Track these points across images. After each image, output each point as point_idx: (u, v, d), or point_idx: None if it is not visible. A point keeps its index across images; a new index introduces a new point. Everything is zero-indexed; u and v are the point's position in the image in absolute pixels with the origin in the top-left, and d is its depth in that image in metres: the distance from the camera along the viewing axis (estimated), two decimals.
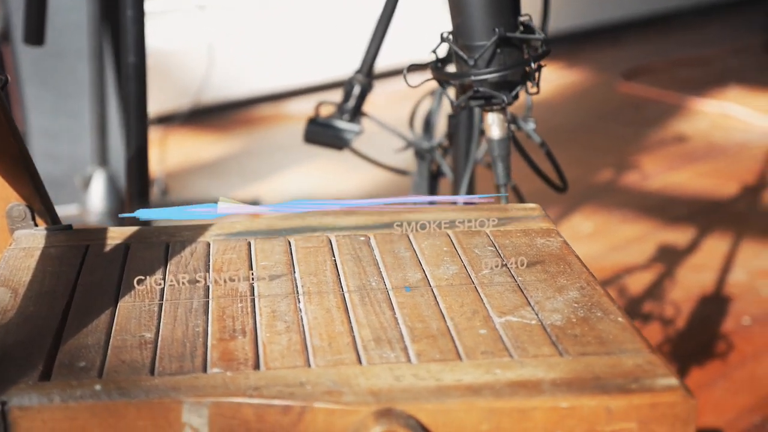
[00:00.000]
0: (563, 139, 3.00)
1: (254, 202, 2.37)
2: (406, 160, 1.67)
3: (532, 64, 1.05)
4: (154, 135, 2.86)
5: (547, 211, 0.96)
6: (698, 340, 1.86)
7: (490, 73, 1.03)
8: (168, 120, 2.89)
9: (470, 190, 1.40)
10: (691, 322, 1.92)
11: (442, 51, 1.10)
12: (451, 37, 1.07)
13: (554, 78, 3.61)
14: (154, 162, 2.60)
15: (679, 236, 2.28)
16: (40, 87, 2.23)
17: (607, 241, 2.28)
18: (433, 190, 1.54)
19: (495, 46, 1.03)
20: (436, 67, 1.08)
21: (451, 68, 1.09)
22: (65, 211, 2.25)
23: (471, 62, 1.04)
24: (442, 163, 1.51)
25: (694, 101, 3.35)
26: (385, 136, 1.57)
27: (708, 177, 2.70)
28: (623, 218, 2.41)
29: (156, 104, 2.94)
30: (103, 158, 2.22)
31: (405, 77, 1.07)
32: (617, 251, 2.23)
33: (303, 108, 3.09)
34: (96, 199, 2.18)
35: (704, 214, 2.44)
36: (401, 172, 1.65)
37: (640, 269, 2.14)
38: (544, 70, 1.08)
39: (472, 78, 1.04)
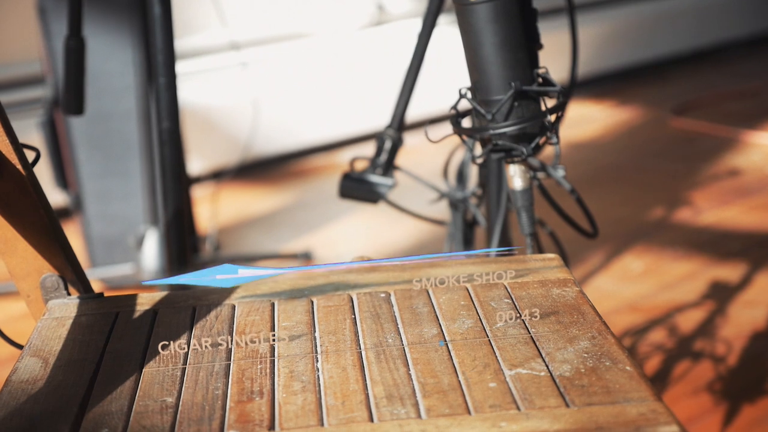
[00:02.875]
0: (614, 177, 3.01)
1: (306, 255, 2.40)
2: (445, 209, 1.69)
3: (550, 116, 1.07)
4: (205, 191, 2.91)
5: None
6: (750, 377, 1.85)
7: (507, 126, 1.05)
8: (219, 175, 2.94)
9: (504, 238, 1.42)
10: (743, 359, 1.91)
11: (463, 106, 1.12)
12: (469, 93, 1.09)
13: (604, 116, 3.62)
14: (205, 218, 2.64)
15: (731, 272, 2.27)
16: (91, 150, 2.29)
17: (659, 279, 2.28)
18: (467, 239, 1.56)
19: (512, 100, 1.06)
20: (456, 122, 1.11)
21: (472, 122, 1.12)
22: (119, 270, 2.29)
23: (489, 116, 1.06)
24: (476, 212, 1.53)
25: (746, 134, 3.33)
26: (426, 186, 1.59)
27: (762, 210, 2.68)
28: (674, 256, 2.40)
29: (207, 160, 3.00)
30: (155, 217, 2.26)
31: (426, 133, 1.09)
32: (668, 289, 2.22)
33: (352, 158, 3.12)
34: (149, 257, 2.23)
35: (757, 249, 2.42)
36: (438, 222, 1.67)
37: (691, 307, 2.13)
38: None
39: (491, 132, 1.06)
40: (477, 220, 1.54)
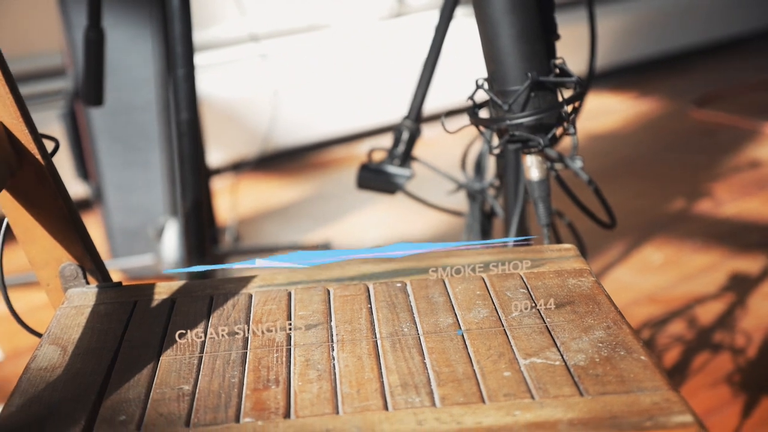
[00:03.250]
0: (634, 169, 3.00)
1: (326, 246, 2.41)
2: (463, 200, 1.69)
3: (566, 107, 1.07)
4: (225, 182, 2.92)
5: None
6: None
7: (524, 117, 1.05)
8: (238, 167, 2.95)
9: (522, 229, 1.42)
10: (763, 351, 1.91)
11: (480, 97, 1.12)
12: (485, 84, 1.09)
13: (625, 108, 3.61)
14: (225, 209, 2.66)
15: (751, 264, 2.27)
16: (111, 141, 2.30)
17: (678, 271, 2.27)
18: (485, 230, 1.56)
19: (529, 90, 1.06)
20: (473, 112, 1.11)
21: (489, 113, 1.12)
22: (140, 261, 2.31)
23: (505, 107, 1.06)
24: (494, 203, 1.53)
25: None
26: (443, 177, 1.59)
27: None
28: (694, 247, 2.40)
29: (226, 152, 3.01)
30: (175, 208, 2.27)
31: (443, 123, 1.10)
32: (688, 281, 2.22)
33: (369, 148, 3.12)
34: (169, 248, 2.24)
35: None
36: (456, 213, 1.67)
37: (711, 298, 2.12)
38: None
39: (507, 123, 1.06)
40: (495, 211, 1.54)
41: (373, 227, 2.66)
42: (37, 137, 0.92)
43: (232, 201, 2.67)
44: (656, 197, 2.76)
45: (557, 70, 1.09)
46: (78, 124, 2.33)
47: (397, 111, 3.09)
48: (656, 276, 2.25)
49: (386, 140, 3.14)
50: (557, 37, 1.11)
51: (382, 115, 3.36)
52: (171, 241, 2.24)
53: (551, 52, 1.10)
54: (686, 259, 2.34)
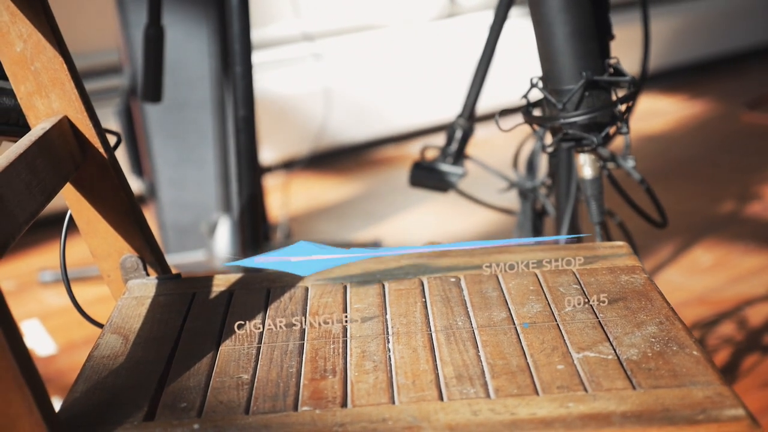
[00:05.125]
0: (685, 170, 2.99)
1: (376, 244, 2.42)
2: (515, 198, 1.70)
3: (620, 106, 1.07)
4: (277, 180, 2.95)
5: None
6: None
7: (578, 115, 1.06)
8: (290, 165, 2.97)
9: (572, 227, 1.43)
10: None
11: (534, 95, 1.13)
12: (540, 82, 1.10)
13: (677, 110, 3.60)
14: (277, 206, 2.68)
15: None
16: (166, 138, 2.33)
17: (728, 272, 2.27)
18: (537, 228, 1.57)
19: (583, 90, 1.07)
20: (527, 111, 1.12)
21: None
22: (192, 257, 2.33)
23: (560, 106, 1.07)
24: (546, 202, 1.54)
25: None
26: (495, 175, 1.60)
27: None
28: (745, 249, 2.39)
29: (279, 149, 3.03)
30: (227, 205, 2.29)
31: (497, 121, 1.11)
32: (738, 283, 2.21)
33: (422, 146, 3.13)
34: (221, 244, 2.26)
35: None
36: (507, 211, 1.68)
37: (761, 300, 2.12)
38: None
39: (561, 121, 1.07)
40: (546, 209, 1.55)
41: (424, 226, 2.67)
42: (101, 131, 0.95)
43: (284, 198, 2.70)
44: (707, 199, 2.75)
45: (611, 70, 1.09)
46: (133, 121, 2.36)
47: (449, 110, 3.11)
48: (706, 277, 2.25)
49: (439, 139, 3.15)
50: (612, 36, 1.12)
51: (433, 115, 3.37)
52: (223, 237, 2.27)
53: (605, 52, 1.11)
54: (736, 261, 2.33)
